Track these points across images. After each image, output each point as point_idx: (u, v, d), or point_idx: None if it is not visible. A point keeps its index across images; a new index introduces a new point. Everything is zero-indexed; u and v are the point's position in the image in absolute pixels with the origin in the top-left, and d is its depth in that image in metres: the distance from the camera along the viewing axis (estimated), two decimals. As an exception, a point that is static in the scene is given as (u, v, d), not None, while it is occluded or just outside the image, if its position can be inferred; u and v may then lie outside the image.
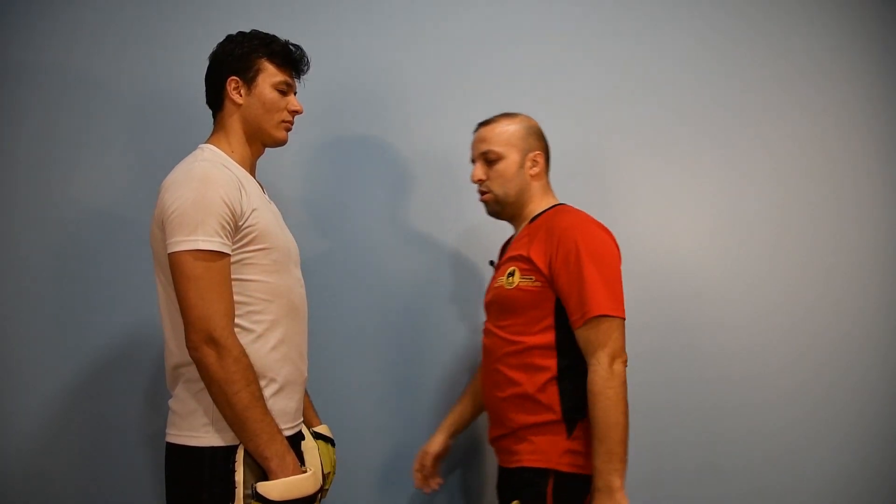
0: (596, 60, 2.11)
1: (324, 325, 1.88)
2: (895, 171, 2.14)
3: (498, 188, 1.61)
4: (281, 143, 1.50)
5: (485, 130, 1.63)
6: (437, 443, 1.79)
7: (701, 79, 2.13)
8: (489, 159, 1.61)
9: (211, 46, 1.49)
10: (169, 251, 1.28)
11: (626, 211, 2.08)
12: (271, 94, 1.45)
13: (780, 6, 2.18)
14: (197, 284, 1.26)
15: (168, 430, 1.35)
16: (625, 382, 1.42)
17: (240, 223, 1.33)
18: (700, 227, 2.11)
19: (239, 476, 1.27)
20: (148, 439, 1.86)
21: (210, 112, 1.49)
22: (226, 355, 1.25)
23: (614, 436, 1.39)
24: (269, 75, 1.45)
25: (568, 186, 1.82)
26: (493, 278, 1.66)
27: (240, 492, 1.27)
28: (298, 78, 1.53)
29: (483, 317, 1.70)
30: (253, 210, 1.35)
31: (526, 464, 1.48)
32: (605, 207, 2.03)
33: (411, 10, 2.06)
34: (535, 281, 1.50)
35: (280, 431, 1.31)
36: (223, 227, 1.29)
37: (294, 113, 1.49)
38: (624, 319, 1.46)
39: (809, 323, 2.06)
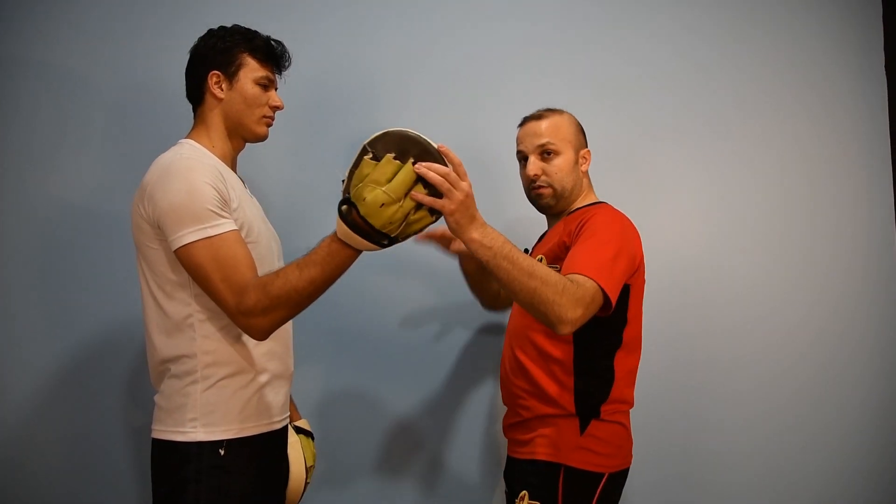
0: (601, 61, 2.08)
1: (309, 320, 1.88)
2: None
3: (557, 183, 1.59)
4: (261, 138, 1.50)
5: (537, 125, 1.60)
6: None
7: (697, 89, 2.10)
8: (547, 152, 1.59)
9: (191, 41, 1.48)
10: (178, 246, 1.27)
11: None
12: (252, 89, 1.45)
13: (784, 4, 2.13)
14: (218, 271, 1.25)
15: (154, 426, 1.35)
16: (579, 306, 1.28)
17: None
18: (696, 230, 2.07)
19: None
20: (133, 434, 1.85)
21: (190, 107, 1.49)
22: (273, 301, 1.22)
23: (532, 269, 1.27)
24: (251, 70, 1.45)
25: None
26: None
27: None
28: (280, 73, 1.53)
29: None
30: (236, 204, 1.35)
31: (539, 457, 1.48)
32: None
33: (397, 6, 2.05)
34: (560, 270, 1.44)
35: None
36: (221, 208, 1.29)
37: (275, 108, 1.49)
38: (603, 298, 1.35)
39: (808, 325, 2.04)
